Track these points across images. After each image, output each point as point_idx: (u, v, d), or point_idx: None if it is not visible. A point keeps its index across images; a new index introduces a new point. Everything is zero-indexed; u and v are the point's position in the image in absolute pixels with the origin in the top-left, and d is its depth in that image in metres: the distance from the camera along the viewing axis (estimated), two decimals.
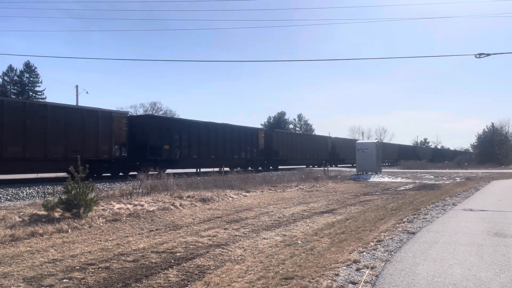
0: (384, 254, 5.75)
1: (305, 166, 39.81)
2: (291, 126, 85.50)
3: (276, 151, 33.61)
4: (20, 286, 4.47)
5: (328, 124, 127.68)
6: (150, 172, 16.14)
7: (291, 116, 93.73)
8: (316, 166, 42.30)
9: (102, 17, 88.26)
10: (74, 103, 38.81)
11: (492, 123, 61.37)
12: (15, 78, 61.04)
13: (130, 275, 4.87)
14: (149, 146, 20.86)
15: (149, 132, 21.29)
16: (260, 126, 71.57)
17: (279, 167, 34.62)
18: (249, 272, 4.87)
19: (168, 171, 20.95)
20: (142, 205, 10.30)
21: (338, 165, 46.43)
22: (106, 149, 18.49)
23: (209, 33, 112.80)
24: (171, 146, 21.94)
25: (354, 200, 13.51)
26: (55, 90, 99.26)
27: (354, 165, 39.79)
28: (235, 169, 24.09)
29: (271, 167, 32.81)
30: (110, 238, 7.02)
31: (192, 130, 23.79)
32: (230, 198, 13.38)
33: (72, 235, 7.29)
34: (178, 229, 7.99)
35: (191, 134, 23.50)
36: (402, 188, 19.27)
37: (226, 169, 24.61)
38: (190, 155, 23.43)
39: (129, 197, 11.66)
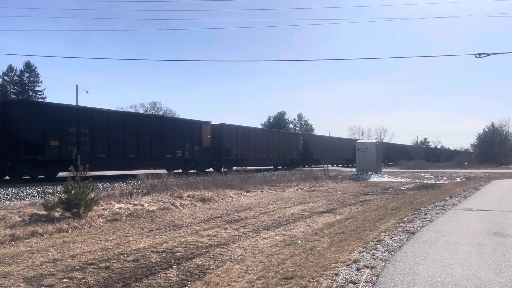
0: (384, 254, 5.75)
1: (272, 167, 34.72)
2: (291, 126, 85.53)
3: (227, 149, 27.66)
4: (20, 286, 4.47)
5: (328, 124, 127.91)
6: None
7: (291, 116, 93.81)
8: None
9: (102, 17, 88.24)
10: (74, 103, 38.78)
11: (492, 123, 61.44)
12: (15, 78, 61.05)
13: (130, 275, 4.87)
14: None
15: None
16: (260, 126, 71.61)
17: (234, 168, 26.97)
18: (249, 272, 4.87)
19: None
20: (142, 205, 10.30)
21: (313, 166, 42.07)
22: None
23: (209, 33, 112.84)
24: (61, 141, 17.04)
25: (354, 200, 13.51)
26: (55, 90, 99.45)
27: (330, 165, 39.15)
28: (173, 172, 20.97)
29: (223, 169, 24.31)
30: (110, 238, 7.02)
31: (98, 122, 18.52)
32: (230, 198, 13.38)
33: (72, 234, 7.29)
34: (178, 228, 7.99)
35: (95, 127, 18.33)
36: (402, 188, 19.27)
37: (159, 171, 20.44)
38: (95, 154, 18.15)
39: (129, 197, 11.66)
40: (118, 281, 4.61)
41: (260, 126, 69.59)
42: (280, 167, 35.80)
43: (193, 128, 24.16)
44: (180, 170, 23.18)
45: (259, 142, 31.23)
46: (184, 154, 23.19)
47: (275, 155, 33.36)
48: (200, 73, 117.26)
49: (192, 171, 23.27)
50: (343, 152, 46.97)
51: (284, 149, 34.66)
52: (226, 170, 22.89)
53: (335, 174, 28.29)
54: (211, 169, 25.39)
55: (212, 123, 26.46)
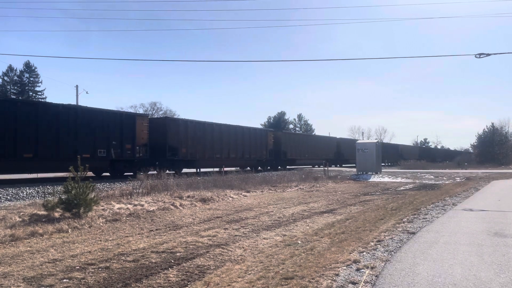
0: (384, 254, 5.74)
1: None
2: (291, 126, 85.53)
3: (173, 147, 26.63)
4: (20, 286, 4.47)
5: (328, 124, 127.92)
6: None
7: (291, 116, 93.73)
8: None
9: (102, 17, 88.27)
10: (74, 103, 38.78)
11: (492, 123, 61.39)
12: (15, 78, 61.05)
13: (130, 275, 4.87)
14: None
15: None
16: (260, 126, 71.57)
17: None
18: (249, 272, 4.87)
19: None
20: (142, 205, 10.30)
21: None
22: None
23: (209, 33, 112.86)
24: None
25: (354, 200, 13.51)
26: (55, 90, 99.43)
27: (310, 165, 39.78)
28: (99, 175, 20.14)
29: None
30: (110, 238, 7.02)
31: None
32: (230, 198, 13.38)
33: (72, 235, 7.29)
34: (178, 229, 7.99)
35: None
36: (402, 188, 19.27)
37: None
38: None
39: (129, 197, 11.66)
40: (118, 281, 4.61)
41: (260, 126, 69.61)
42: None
43: (123, 121, 19.75)
44: (107, 173, 20.22)
45: (217, 139, 26.44)
46: (110, 154, 18.99)
47: (237, 155, 28.37)
48: (200, 73, 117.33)
49: (128, 173, 19.81)
50: (324, 152, 43.15)
51: (250, 148, 29.66)
52: (173, 172, 21.14)
53: (335, 174, 28.28)
54: (154, 172, 19.01)
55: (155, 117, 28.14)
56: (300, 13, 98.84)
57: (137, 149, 20.44)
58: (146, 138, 21.04)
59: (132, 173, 19.42)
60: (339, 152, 46.71)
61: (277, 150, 33.82)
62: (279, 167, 33.66)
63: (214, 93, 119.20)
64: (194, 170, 25.48)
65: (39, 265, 5.26)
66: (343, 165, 46.87)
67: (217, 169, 24.87)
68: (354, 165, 47.91)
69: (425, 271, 4.84)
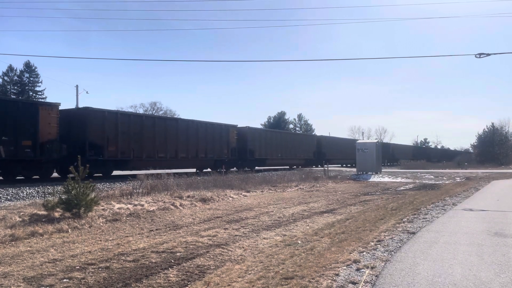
0: (384, 254, 5.74)
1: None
2: (291, 126, 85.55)
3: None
4: (20, 286, 4.47)
5: (328, 124, 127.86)
6: None
7: (291, 116, 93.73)
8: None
9: (101, 17, 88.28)
10: (74, 103, 38.79)
11: (492, 123, 61.48)
12: (15, 78, 61.06)
13: (130, 275, 4.87)
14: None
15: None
16: (260, 126, 71.51)
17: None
18: (249, 272, 4.87)
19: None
20: (142, 205, 10.30)
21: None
22: None
23: (209, 33, 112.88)
24: None
25: (354, 200, 13.51)
26: (55, 90, 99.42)
27: (288, 166, 35.00)
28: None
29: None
30: (110, 238, 7.02)
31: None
32: (230, 198, 13.38)
33: (72, 235, 7.29)
34: (178, 229, 7.99)
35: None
36: (402, 188, 19.27)
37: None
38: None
39: (129, 197, 11.66)
40: (118, 281, 4.61)
41: (260, 126, 69.55)
42: (209, 169, 26.77)
43: (19, 112, 15.97)
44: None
45: (161, 136, 21.76)
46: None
47: (189, 154, 23.69)
48: (200, 73, 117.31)
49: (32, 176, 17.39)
50: (301, 151, 38.45)
51: (207, 146, 24.94)
52: (100, 175, 18.45)
53: (335, 174, 28.28)
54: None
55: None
56: (300, 13, 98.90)
57: (45, 146, 16.39)
58: (55, 133, 16.82)
59: (38, 176, 17.05)
60: (320, 152, 41.96)
61: (242, 149, 28.97)
62: (246, 168, 27.57)
63: (214, 93, 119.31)
64: (136, 172, 20.14)
65: (39, 265, 5.26)
66: (324, 166, 43.24)
67: (166, 171, 18.51)
68: (338, 165, 45.45)
69: (425, 271, 4.84)
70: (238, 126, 29.75)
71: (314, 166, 39.21)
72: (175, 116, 27.15)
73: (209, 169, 25.43)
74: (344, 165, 47.56)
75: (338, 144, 46.80)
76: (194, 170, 25.43)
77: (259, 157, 31.00)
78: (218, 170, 22.66)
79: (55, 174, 18.33)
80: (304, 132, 56.68)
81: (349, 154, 43.66)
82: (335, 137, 50.82)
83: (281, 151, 34.43)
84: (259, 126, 68.82)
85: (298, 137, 41.68)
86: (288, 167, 37.63)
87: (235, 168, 26.85)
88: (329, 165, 38.36)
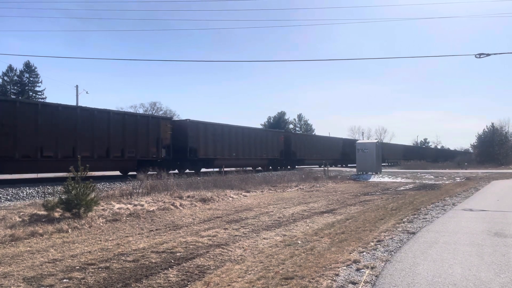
0: (384, 254, 5.74)
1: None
2: (291, 126, 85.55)
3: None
4: (20, 286, 4.47)
5: (328, 124, 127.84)
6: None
7: (291, 116, 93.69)
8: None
9: (101, 17, 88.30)
10: (74, 103, 38.81)
11: (492, 123, 61.44)
12: (15, 78, 61.07)
13: (130, 275, 4.87)
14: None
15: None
16: (260, 126, 71.46)
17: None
18: (249, 272, 4.87)
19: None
20: (142, 205, 10.30)
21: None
22: None
23: (209, 33, 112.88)
24: None
25: (354, 200, 13.51)
26: (55, 90, 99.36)
27: (250, 168, 28.22)
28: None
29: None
30: (110, 238, 7.02)
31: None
32: (230, 198, 13.38)
33: (72, 235, 7.29)
34: (178, 229, 7.99)
35: None
36: (402, 188, 19.27)
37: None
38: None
39: (129, 197, 11.66)
40: (118, 281, 4.61)
41: (260, 126, 69.55)
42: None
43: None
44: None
45: (69, 130, 16.98)
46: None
47: (100, 153, 18.13)
48: (200, 73, 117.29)
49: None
50: (264, 150, 33.32)
51: (129, 142, 19.47)
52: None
53: (335, 174, 28.28)
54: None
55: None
56: (300, 13, 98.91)
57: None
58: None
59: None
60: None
61: (181, 147, 25.15)
62: (188, 170, 25.54)
63: (214, 93, 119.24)
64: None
65: (39, 265, 5.26)
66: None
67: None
68: (315, 165, 42.29)
69: (425, 271, 4.84)
70: (175, 119, 26.18)
71: (339, 166, 39.46)
72: (68, 104, 19.86)
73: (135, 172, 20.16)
74: (323, 166, 42.49)
75: (313, 142, 40.20)
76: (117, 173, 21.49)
77: (204, 156, 24.46)
78: (149, 173, 17.71)
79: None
80: (333, 136, 51.59)
81: (329, 153, 41.25)
82: (308, 134, 47.81)
83: (236, 149, 27.44)
84: (259, 126, 68.61)
85: (260, 133, 32.31)
86: (318, 166, 38.12)
87: (176, 170, 22.85)
88: (302, 166, 36.19)
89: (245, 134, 28.95)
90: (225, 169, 24.08)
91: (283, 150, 33.37)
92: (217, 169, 25.67)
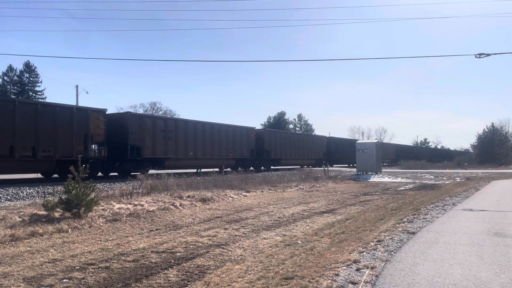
0: (384, 254, 5.74)
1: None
2: (291, 126, 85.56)
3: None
4: (20, 286, 4.47)
5: (328, 124, 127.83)
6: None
7: (291, 116, 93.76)
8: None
9: (101, 17, 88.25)
10: (74, 103, 38.78)
11: (492, 123, 61.53)
12: (15, 78, 61.09)
13: (130, 275, 4.87)
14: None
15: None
16: (260, 126, 71.41)
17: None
18: (249, 272, 4.87)
19: None
20: (142, 205, 10.30)
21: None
22: None
23: (209, 33, 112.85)
24: None
25: (354, 200, 13.51)
26: (55, 90, 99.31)
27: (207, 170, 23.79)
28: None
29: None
30: (110, 238, 7.02)
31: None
32: (230, 198, 13.38)
33: (72, 235, 7.29)
34: (178, 229, 7.99)
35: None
36: (402, 188, 19.26)
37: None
38: None
39: (129, 197, 11.65)
40: (118, 281, 4.61)
41: (260, 127, 69.41)
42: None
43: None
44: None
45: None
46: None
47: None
48: (200, 73, 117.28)
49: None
50: (312, 151, 36.48)
51: (44, 139, 16.18)
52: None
53: (335, 174, 28.28)
54: None
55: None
56: (300, 13, 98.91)
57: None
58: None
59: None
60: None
61: (120, 144, 22.35)
62: (262, 168, 27.61)
63: (214, 93, 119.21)
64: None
65: (39, 265, 5.26)
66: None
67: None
68: (346, 165, 41.64)
69: (425, 271, 4.84)
70: (111, 112, 21.57)
71: (323, 166, 35.04)
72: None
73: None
74: (305, 166, 38.42)
75: (291, 140, 35.81)
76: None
77: (151, 156, 20.98)
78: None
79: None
80: (315, 134, 48.53)
81: (311, 152, 38.04)
82: (285, 131, 41.41)
83: (194, 148, 23.76)
84: (259, 127, 68.52)
85: (225, 129, 27.05)
86: (299, 166, 35.42)
87: (115, 173, 20.45)
88: (338, 165, 34.67)
89: (206, 130, 24.88)
90: (178, 170, 21.07)
91: (254, 149, 29.30)
92: (285, 167, 25.34)
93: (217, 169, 22.82)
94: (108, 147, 18.94)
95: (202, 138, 24.36)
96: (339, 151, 44.23)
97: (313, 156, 38.50)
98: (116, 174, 20.44)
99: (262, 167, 30.01)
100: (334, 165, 40.29)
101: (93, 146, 18.41)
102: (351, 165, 45.42)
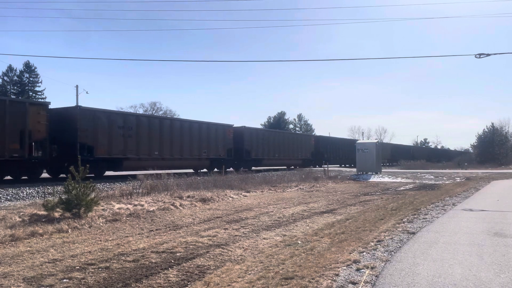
0: (384, 254, 5.74)
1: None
2: (291, 126, 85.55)
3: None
4: (20, 286, 4.47)
5: (328, 124, 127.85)
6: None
7: (291, 116, 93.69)
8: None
9: (101, 17, 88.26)
10: (74, 103, 38.80)
11: (492, 123, 61.46)
12: (15, 78, 61.07)
13: (130, 275, 4.87)
14: None
15: None
16: (260, 126, 71.36)
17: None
18: (249, 272, 4.87)
19: None
20: (142, 205, 10.30)
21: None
22: None
23: (209, 33, 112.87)
24: None
25: (354, 200, 13.51)
26: (55, 90, 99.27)
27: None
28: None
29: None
30: (110, 238, 7.02)
31: None
32: (230, 198, 13.38)
33: (72, 235, 7.29)
34: (178, 229, 7.99)
35: None
36: (402, 188, 19.26)
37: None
38: None
39: (129, 197, 11.65)
40: (118, 281, 4.61)
41: (260, 127, 69.36)
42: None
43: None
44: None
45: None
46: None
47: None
48: (200, 73, 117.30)
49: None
50: (298, 151, 33.71)
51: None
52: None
53: (335, 174, 28.28)
54: None
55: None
56: (300, 13, 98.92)
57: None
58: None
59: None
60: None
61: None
62: (243, 168, 25.21)
63: (214, 93, 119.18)
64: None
65: (39, 265, 5.26)
66: (322, 166, 36.55)
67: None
68: (337, 165, 38.85)
69: (425, 271, 4.84)
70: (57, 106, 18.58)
71: (311, 167, 34.07)
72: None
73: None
74: (292, 167, 36.12)
75: (275, 139, 32.97)
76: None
77: (105, 156, 18.56)
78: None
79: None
80: (302, 133, 46.63)
81: (297, 152, 35.52)
82: (267, 130, 36.13)
83: (160, 147, 21.29)
84: (259, 126, 68.37)
85: (199, 127, 24.44)
86: (285, 167, 33.58)
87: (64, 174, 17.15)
88: (260, 167, 29.43)
89: (174, 127, 22.50)
90: (144, 172, 18.62)
91: (232, 148, 26.85)
92: (268, 168, 22.56)
93: (192, 170, 21.62)
94: (57, 146, 17.36)
95: (170, 136, 21.96)
96: (328, 151, 41.73)
97: (300, 156, 36.23)
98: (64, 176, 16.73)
99: (243, 168, 26.79)
100: (323, 166, 36.71)
101: (32, 144, 15.81)
102: (342, 165, 44.36)
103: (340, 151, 43.92)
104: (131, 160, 19.81)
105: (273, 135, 33.65)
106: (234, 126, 27.87)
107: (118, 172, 20.34)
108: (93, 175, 15.11)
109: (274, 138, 33.00)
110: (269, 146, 31.50)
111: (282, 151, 33.50)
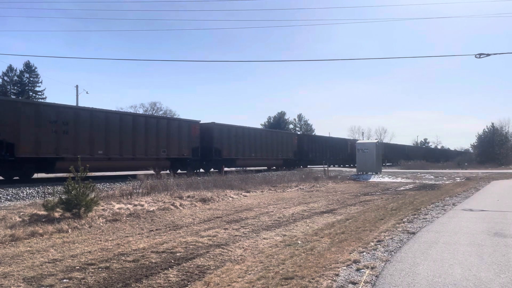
0: (384, 254, 5.74)
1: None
2: (291, 126, 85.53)
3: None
4: (20, 286, 4.47)
5: (328, 124, 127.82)
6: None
7: (291, 116, 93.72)
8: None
9: (101, 18, 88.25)
10: (74, 103, 38.81)
11: (492, 123, 61.44)
12: (15, 78, 61.07)
13: (130, 275, 4.87)
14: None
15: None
16: (260, 126, 71.36)
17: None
18: (249, 272, 4.87)
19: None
20: (142, 205, 10.29)
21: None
22: None
23: (209, 33, 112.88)
24: None
25: (354, 200, 13.50)
26: (55, 90, 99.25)
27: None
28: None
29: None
30: (110, 238, 7.02)
31: None
32: (230, 198, 13.38)
33: (72, 235, 7.29)
34: (178, 229, 7.99)
35: None
36: (402, 188, 19.26)
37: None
38: None
39: (129, 197, 11.65)
40: (118, 281, 4.61)
41: (260, 127, 69.34)
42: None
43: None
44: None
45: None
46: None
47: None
48: (200, 73, 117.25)
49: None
50: (279, 150, 31.24)
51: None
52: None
53: (335, 174, 28.28)
54: None
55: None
56: (300, 13, 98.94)
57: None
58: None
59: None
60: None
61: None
62: (213, 169, 23.20)
63: (214, 93, 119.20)
64: None
65: (39, 265, 5.26)
66: (308, 166, 36.39)
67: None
68: (322, 166, 33.87)
69: (425, 271, 4.84)
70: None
71: (294, 168, 32.22)
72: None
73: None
74: (274, 167, 33.44)
75: (250, 137, 29.53)
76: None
77: (32, 155, 15.99)
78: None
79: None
80: (283, 131, 43.34)
81: (277, 152, 32.41)
82: (241, 127, 29.56)
83: (106, 146, 18.62)
84: (259, 127, 68.27)
85: (154, 122, 21.59)
86: (266, 167, 30.94)
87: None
88: (312, 166, 28.95)
89: (124, 123, 19.58)
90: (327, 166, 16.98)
91: (199, 146, 24.01)
92: (244, 168, 21.51)
93: (150, 172, 18.94)
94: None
95: (119, 133, 19.09)
96: (313, 151, 38.45)
97: (281, 156, 32.96)
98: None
99: (213, 169, 24.77)
100: (308, 166, 36.75)
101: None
102: (331, 166, 40.09)
103: (327, 151, 40.79)
104: (66, 161, 16.32)
105: (249, 132, 29.84)
106: (201, 122, 24.88)
107: (52, 174, 17.70)
108: (17, 177, 12.96)
109: (250, 136, 29.51)
110: (244, 144, 28.30)
111: (259, 150, 30.23)
